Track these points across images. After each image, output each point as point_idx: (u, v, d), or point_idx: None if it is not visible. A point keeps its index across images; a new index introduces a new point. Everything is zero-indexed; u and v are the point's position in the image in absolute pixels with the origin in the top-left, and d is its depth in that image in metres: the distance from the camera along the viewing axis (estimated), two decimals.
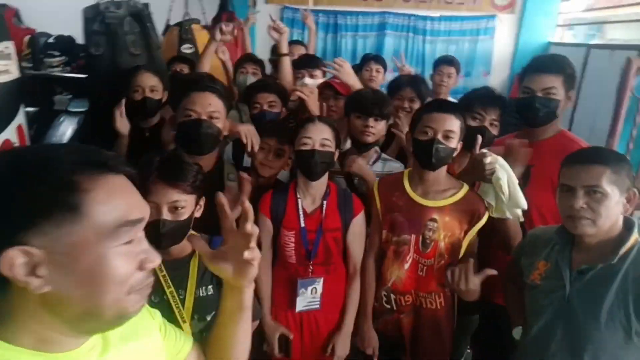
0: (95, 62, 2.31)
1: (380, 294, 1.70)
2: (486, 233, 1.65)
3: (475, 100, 1.82)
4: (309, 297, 1.66)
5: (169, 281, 1.27)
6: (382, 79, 3.21)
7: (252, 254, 0.80)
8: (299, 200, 1.66)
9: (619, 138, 2.81)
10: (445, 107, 1.62)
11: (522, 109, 1.77)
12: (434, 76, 3.26)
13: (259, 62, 2.85)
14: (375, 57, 3.29)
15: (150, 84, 2.12)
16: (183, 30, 3.00)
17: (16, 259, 0.56)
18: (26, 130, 1.60)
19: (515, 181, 1.53)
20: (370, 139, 1.90)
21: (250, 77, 2.69)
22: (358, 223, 1.69)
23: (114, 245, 0.61)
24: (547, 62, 1.76)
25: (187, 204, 1.22)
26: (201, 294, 1.30)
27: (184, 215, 1.22)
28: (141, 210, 0.66)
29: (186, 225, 1.25)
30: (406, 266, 1.63)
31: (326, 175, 1.68)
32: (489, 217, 1.60)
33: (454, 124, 1.54)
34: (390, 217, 1.66)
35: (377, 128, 1.90)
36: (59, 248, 0.58)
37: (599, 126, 3.09)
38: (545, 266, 1.33)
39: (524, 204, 1.54)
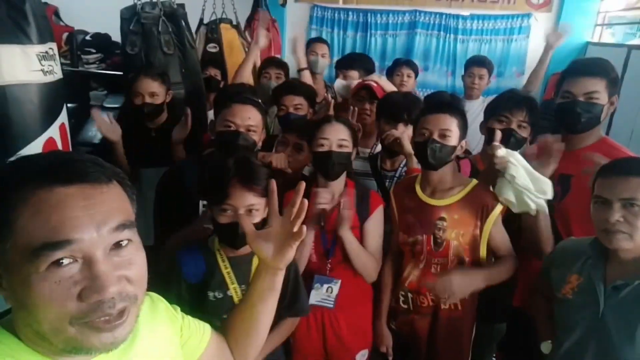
0: (130, 60, 2.39)
1: (398, 294, 1.71)
2: (513, 236, 1.62)
3: (499, 104, 1.80)
4: (323, 294, 1.67)
5: (233, 277, 1.33)
6: (413, 83, 3.18)
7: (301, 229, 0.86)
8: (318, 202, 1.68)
9: None
10: (439, 107, 1.62)
11: (562, 114, 1.68)
12: (465, 77, 3.21)
13: (282, 66, 2.84)
14: (406, 62, 3.25)
15: (150, 90, 2.15)
16: (209, 29, 3.06)
17: None
18: (68, 128, 1.66)
19: (533, 171, 1.47)
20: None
21: (273, 83, 2.69)
22: (373, 219, 1.69)
23: (34, 270, 0.55)
24: (590, 64, 1.67)
25: (260, 207, 1.26)
26: None
27: (258, 218, 1.26)
28: (74, 231, 0.56)
29: (260, 228, 1.28)
30: (421, 266, 1.64)
31: (344, 174, 1.69)
32: (516, 218, 1.57)
33: (449, 123, 1.56)
34: (404, 218, 1.69)
35: (407, 133, 1.88)
36: (3, 264, 0.57)
37: (639, 130, 2.97)
38: (577, 280, 1.28)
39: (549, 191, 1.47)
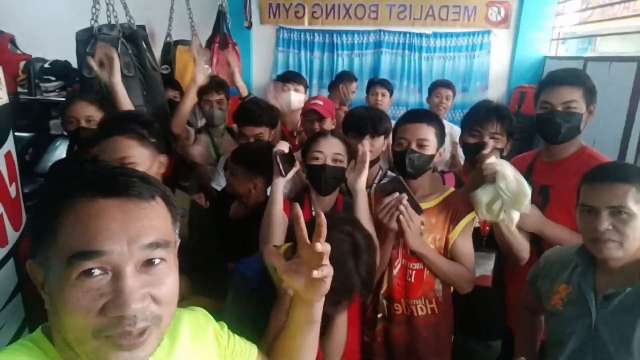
0: (88, 84, 2.28)
1: (375, 302, 1.65)
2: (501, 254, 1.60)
3: (470, 118, 1.80)
4: None
5: None
6: (388, 102, 3.23)
7: (322, 272, 0.78)
8: (314, 213, 1.64)
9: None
10: (416, 116, 1.62)
11: (541, 124, 1.67)
12: (431, 98, 3.30)
13: (222, 87, 2.68)
14: (380, 82, 3.33)
15: (86, 114, 2.03)
16: (164, 50, 3.01)
17: (31, 270, 0.62)
18: (15, 156, 1.54)
19: (523, 181, 1.43)
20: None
21: (217, 112, 2.61)
22: None
23: (67, 276, 0.56)
24: (566, 74, 1.68)
25: None
26: None
27: None
28: (105, 243, 0.57)
29: None
30: (395, 272, 1.60)
31: (337, 190, 1.66)
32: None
33: (427, 132, 1.56)
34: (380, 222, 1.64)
35: (374, 146, 1.89)
36: (45, 268, 0.60)
37: (599, 139, 3.05)
38: (566, 290, 1.24)
39: (526, 206, 1.42)
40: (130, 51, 2.32)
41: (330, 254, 0.80)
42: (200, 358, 0.79)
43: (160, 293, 0.61)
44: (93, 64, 1.89)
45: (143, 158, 1.41)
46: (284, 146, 1.59)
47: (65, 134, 4.13)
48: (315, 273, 0.76)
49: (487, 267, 1.73)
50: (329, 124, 2.39)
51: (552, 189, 1.65)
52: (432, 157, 1.57)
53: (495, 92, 5.06)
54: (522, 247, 1.56)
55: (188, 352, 0.76)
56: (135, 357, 0.58)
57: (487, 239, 1.73)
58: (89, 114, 2.04)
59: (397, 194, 1.46)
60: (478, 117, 1.76)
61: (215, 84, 2.66)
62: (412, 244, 1.50)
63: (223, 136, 2.68)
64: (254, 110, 2.25)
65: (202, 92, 2.63)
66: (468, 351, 1.80)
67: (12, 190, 1.49)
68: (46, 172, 4.08)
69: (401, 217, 1.43)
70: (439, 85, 3.33)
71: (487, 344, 1.88)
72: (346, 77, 3.80)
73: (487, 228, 1.72)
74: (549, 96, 1.64)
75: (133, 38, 2.35)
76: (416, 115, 1.64)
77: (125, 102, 2.01)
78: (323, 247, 0.77)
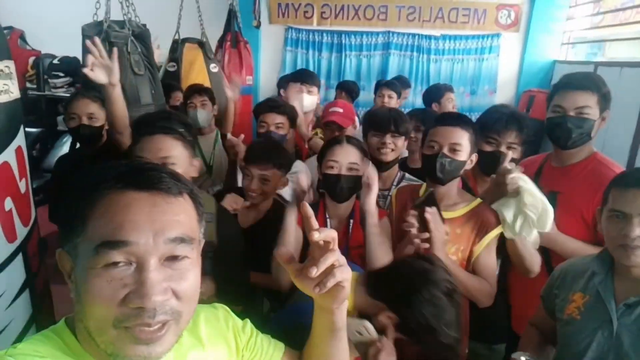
0: (92, 81, 2.26)
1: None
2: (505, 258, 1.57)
3: (487, 124, 1.70)
4: None
5: None
6: (395, 103, 3.20)
7: (324, 264, 0.66)
8: (328, 220, 1.62)
9: None
10: (451, 120, 1.56)
11: (552, 129, 1.62)
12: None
13: (205, 91, 2.67)
14: (387, 83, 3.31)
15: (88, 111, 2.03)
16: (172, 47, 3.01)
17: (60, 259, 0.63)
18: (25, 151, 1.54)
19: (544, 199, 1.39)
20: (388, 157, 1.88)
21: (201, 112, 2.59)
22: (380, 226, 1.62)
23: (93, 265, 0.58)
24: (581, 79, 1.60)
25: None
26: None
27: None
28: (131, 233, 0.58)
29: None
30: None
31: (354, 196, 1.63)
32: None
33: (460, 137, 1.50)
34: (403, 227, 1.60)
35: (396, 145, 1.87)
36: (73, 257, 0.61)
37: (609, 145, 3.03)
38: (583, 298, 1.19)
39: (549, 224, 1.39)
40: (139, 50, 2.32)
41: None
42: (212, 355, 0.78)
43: (181, 288, 0.61)
44: (87, 70, 1.70)
45: (183, 159, 1.38)
46: (303, 179, 1.53)
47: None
48: (312, 272, 0.65)
49: None
50: (350, 132, 2.34)
51: (560, 195, 1.60)
52: (464, 163, 1.50)
53: (504, 95, 5.04)
54: (535, 260, 1.51)
55: (201, 349, 0.76)
56: (152, 351, 0.59)
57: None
58: (91, 111, 2.03)
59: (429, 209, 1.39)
60: (497, 125, 1.67)
61: (198, 89, 2.65)
62: (438, 254, 1.44)
63: (216, 144, 2.62)
64: (276, 100, 2.32)
65: (186, 96, 2.61)
66: (472, 354, 1.77)
67: (22, 186, 1.49)
68: (52, 168, 4.11)
69: (431, 226, 1.37)
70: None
71: (491, 347, 1.85)
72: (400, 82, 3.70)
73: None
74: (562, 100, 1.59)
75: (142, 36, 2.35)
76: (450, 118, 1.58)
77: (123, 112, 1.81)
78: (321, 234, 0.66)
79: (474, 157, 1.56)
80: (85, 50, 2.23)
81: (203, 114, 2.58)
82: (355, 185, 1.57)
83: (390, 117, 1.90)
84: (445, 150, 1.48)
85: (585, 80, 1.59)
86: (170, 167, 1.26)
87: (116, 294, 0.57)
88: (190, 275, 0.63)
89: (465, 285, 1.53)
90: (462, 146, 1.49)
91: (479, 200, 1.57)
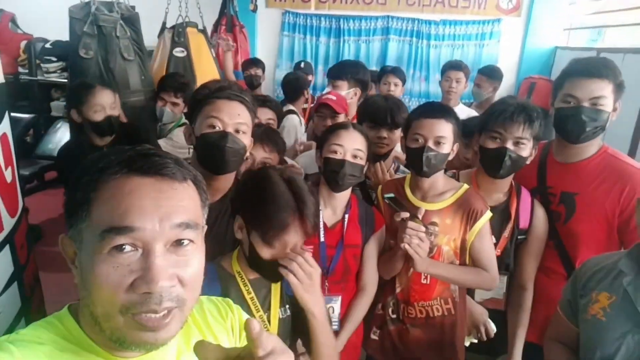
0: (84, 65, 2.20)
1: (387, 301, 1.60)
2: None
3: (490, 117, 1.52)
4: None
5: (257, 303, 1.15)
6: (400, 91, 3.12)
7: None
8: (320, 211, 1.53)
9: None
10: (434, 111, 1.50)
11: (562, 120, 1.48)
12: (442, 82, 3.18)
13: (183, 92, 2.44)
14: (393, 70, 3.20)
15: (110, 101, 1.99)
16: (176, 33, 2.89)
17: (63, 244, 0.64)
18: (11, 139, 1.49)
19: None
20: (384, 150, 1.83)
21: (168, 112, 2.45)
22: (379, 237, 1.58)
23: (98, 250, 0.58)
24: (597, 65, 1.45)
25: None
26: (281, 316, 1.19)
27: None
28: (137, 219, 0.58)
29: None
30: (409, 274, 1.54)
31: (350, 188, 1.56)
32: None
33: (444, 129, 1.45)
34: (393, 222, 1.55)
35: (392, 138, 1.81)
36: (77, 242, 0.61)
37: (610, 133, 2.98)
38: (609, 299, 1.11)
39: None
40: (128, 34, 2.26)
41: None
42: (213, 340, 0.78)
43: (186, 275, 0.61)
44: None
45: (249, 130, 1.39)
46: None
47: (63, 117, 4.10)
48: None
49: (499, 290, 1.62)
50: (342, 120, 2.30)
51: (578, 196, 1.50)
52: (447, 155, 1.47)
53: (504, 82, 4.94)
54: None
55: (203, 335, 0.77)
56: (158, 337, 0.59)
57: (499, 260, 1.60)
58: (112, 101, 1.99)
59: (406, 214, 1.37)
60: (501, 117, 1.47)
61: (177, 86, 2.46)
62: (420, 269, 1.42)
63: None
64: (267, 95, 2.31)
65: (162, 88, 2.46)
66: None
67: (8, 175, 1.44)
68: (46, 154, 4.05)
69: (406, 246, 1.34)
70: (449, 67, 3.18)
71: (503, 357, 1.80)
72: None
73: (499, 250, 1.59)
74: (575, 89, 1.45)
75: (132, 20, 2.28)
76: (434, 110, 1.51)
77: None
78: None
79: (456, 147, 1.52)
80: (74, 33, 2.16)
81: (169, 115, 2.45)
82: (358, 174, 1.50)
83: (387, 109, 1.81)
84: (430, 144, 1.44)
85: (603, 67, 1.45)
86: (240, 135, 1.33)
87: (123, 280, 0.57)
88: (195, 262, 0.63)
89: (463, 282, 1.51)
90: (447, 138, 1.46)
91: (465, 186, 1.53)
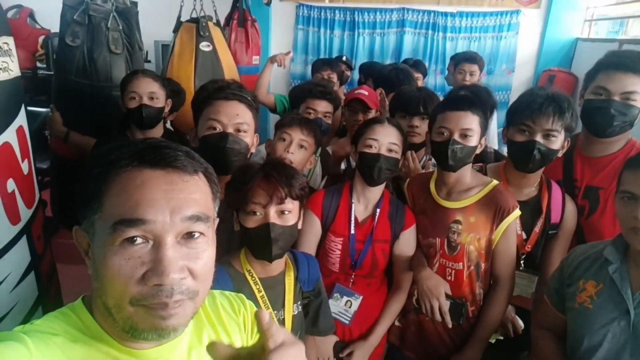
0: (68, 52, 2.17)
1: (412, 290, 1.58)
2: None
3: (518, 109, 1.47)
4: (341, 307, 1.55)
5: (268, 302, 1.17)
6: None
7: None
8: (353, 205, 1.54)
9: None
10: (459, 104, 1.47)
11: (591, 113, 1.46)
12: (455, 75, 3.11)
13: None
14: (414, 64, 3.16)
15: (150, 90, 1.93)
16: (201, 27, 2.84)
17: (76, 236, 0.64)
18: (27, 131, 1.50)
19: None
20: (417, 139, 1.82)
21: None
22: (409, 236, 1.57)
23: (110, 242, 0.58)
24: (633, 59, 1.41)
25: (294, 210, 1.17)
26: (294, 312, 1.23)
27: (291, 220, 1.16)
28: (148, 212, 0.58)
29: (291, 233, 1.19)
30: (434, 269, 1.52)
31: (384, 182, 1.56)
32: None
33: (471, 122, 1.43)
34: (417, 219, 1.58)
35: (423, 127, 1.79)
36: (90, 234, 0.62)
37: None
38: (596, 287, 1.14)
39: None
40: (120, 27, 2.23)
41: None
42: (225, 337, 0.79)
43: (197, 267, 0.61)
44: None
45: (252, 128, 1.41)
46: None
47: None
48: None
49: (527, 289, 1.59)
50: (373, 116, 2.27)
51: (602, 191, 1.47)
52: (474, 148, 1.44)
53: (522, 75, 4.87)
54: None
55: (215, 330, 0.78)
56: (169, 324, 0.59)
57: (526, 258, 1.57)
58: (153, 90, 1.94)
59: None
60: (530, 108, 1.42)
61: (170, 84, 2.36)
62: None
63: None
64: (326, 86, 2.25)
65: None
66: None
67: (25, 167, 1.46)
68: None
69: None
70: (463, 59, 3.10)
71: (516, 355, 1.77)
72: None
73: (530, 245, 1.56)
74: (608, 81, 1.42)
75: (126, 14, 2.26)
76: (459, 102, 1.48)
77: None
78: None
79: (484, 140, 1.49)
80: (64, 20, 2.15)
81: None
82: (393, 167, 1.49)
83: (420, 99, 1.81)
84: (456, 137, 1.41)
85: (637, 61, 1.41)
86: (241, 134, 1.37)
87: (134, 272, 0.58)
88: (205, 255, 0.63)
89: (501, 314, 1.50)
90: (473, 131, 1.42)
91: (494, 182, 1.49)
